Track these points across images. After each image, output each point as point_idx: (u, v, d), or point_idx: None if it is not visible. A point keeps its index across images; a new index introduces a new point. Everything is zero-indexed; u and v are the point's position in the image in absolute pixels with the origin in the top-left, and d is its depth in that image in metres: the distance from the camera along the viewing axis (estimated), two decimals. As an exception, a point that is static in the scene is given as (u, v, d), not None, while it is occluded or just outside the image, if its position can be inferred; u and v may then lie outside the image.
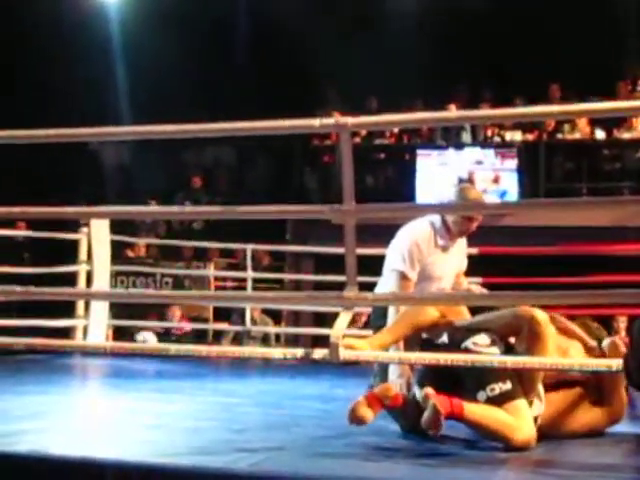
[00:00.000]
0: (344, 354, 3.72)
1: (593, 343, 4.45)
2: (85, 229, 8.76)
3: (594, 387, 4.33)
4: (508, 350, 4.11)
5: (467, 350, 4.03)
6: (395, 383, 4.28)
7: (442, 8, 13.38)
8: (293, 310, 10.70)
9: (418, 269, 4.59)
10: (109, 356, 8.00)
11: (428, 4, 13.48)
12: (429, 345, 4.15)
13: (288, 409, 5.17)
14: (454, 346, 4.07)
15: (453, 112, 7.40)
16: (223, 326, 10.00)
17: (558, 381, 4.26)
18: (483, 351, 4.04)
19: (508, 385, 3.95)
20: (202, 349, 4.57)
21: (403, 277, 4.55)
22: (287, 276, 11.36)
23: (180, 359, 7.53)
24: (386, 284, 4.63)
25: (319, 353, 3.75)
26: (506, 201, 10.90)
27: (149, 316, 10.09)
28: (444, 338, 4.15)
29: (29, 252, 11.21)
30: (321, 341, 8.67)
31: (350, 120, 3.68)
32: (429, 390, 3.83)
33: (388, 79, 12.36)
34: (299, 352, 3.80)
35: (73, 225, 8.84)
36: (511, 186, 11.59)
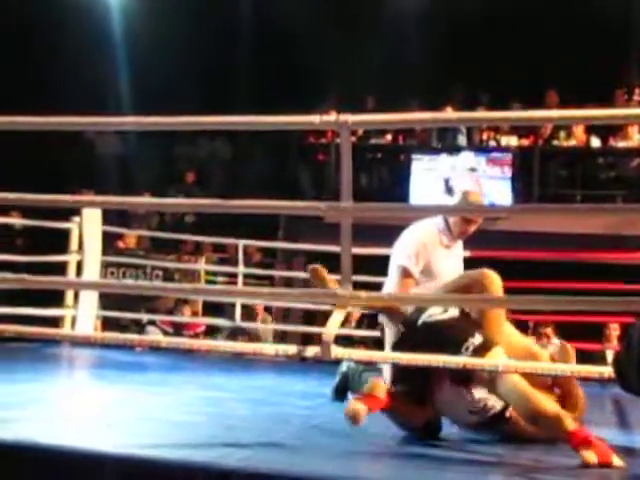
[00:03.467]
0: (336, 352, 3.71)
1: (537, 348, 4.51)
2: (77, 219, 8.72)
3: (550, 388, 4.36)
4: (464, 312, 4.19)
5: (425, 324, 4.10)
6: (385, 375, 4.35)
7: (441, 10, 13.39)
8: (283, 307, 10.68)
9: (421, 266, 4.61)
10: (98, 347, 7.98)
11: (427, 6, 13.48)
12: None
13: (276, 405, 5.16)
14: (411, 328, 4.14)
15: (452, 113, 7.38)
16: (247, 324, 9.89)
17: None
18: (440, 318, 4.12)
19: (479, 338, 4.02)
20: (193, 343, 4.55)
21: (405, 273, 4.56)
22: (278, 273, 11.35)
23: (169, 352, 7.52)
24: (389, 280, 4.65)
25: (311, 350, 3.74)
26: (502, 205, 10.89)
27: (159, 311, 10.12)
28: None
29: (23, 240, 11.18)
30: (309, 339, 8.67)
31: (350, 118, 3.66)
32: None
33: (385, 80, 12.37)
34: (291, 349, 3.79)
35: (65, 214, 8.80)
36: (503, 192, 11.59)
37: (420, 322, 4.12)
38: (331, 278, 4.31)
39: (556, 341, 5.17)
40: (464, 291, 4.24)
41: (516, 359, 4.10)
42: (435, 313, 4.14)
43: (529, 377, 4.08)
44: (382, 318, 4.45)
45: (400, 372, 4.20)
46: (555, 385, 4.34)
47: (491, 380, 3.98)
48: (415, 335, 4.11)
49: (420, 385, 4.16)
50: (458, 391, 4.14)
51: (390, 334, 4.35)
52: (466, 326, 4.09)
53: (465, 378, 4.08)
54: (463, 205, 4.72)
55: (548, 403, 3.91)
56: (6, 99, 10.62)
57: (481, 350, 3.96)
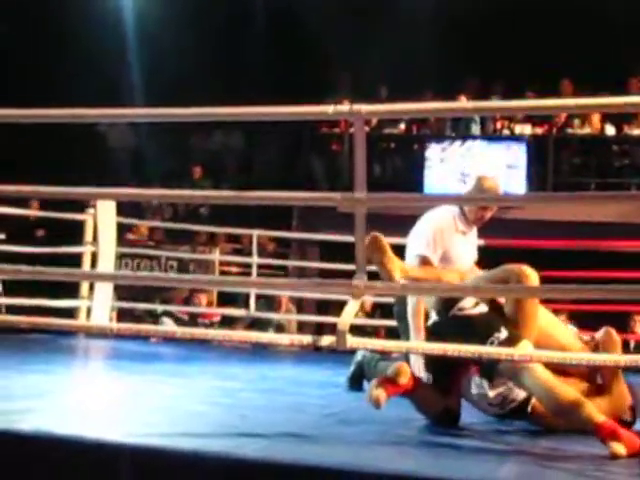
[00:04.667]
0: (351, 342, 3.70)
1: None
2: (92, 210, 8.75)
3: (590, 378, 4.34)
4: (495, 308, 4.17)
5: (455, 317, 4.10)
6: (414, 364, 4.35)
7: (455, 1, 13.34)
8: (296, 297, 10.68)
9: (440, 253, 4.63)
10: (113, 338, 8.00)
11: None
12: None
13: (292, 395, 5.17)
14: (442, 318, 4.16)
15: (467, 103, 7.34)
16: (262, 315, 9.89)
17: (555, 371, 4.26)
18: (469, 313, 4.11)
19: (504, 333, 4.01)
20: (207, 333, 4.55)
21: (425, 261, 4.59)
22: (292, 263, 11.35)
23: (185, 343, 7.53)
24: None
25: (326, 340, 3.73)
26: (517, 194, 10.84)
27: (174, 301, 10.14)
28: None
29: (39, 231, 11.21)
30: (324, 329, 8.68)
31: (364, 107, 3.65)
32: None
33: (399, 69, 12.32)
34: (306, 339, 3.78)
35: (80, 206, 8.82)
36: (518, 180, 11.55)
37: (451, 314, 4.12)
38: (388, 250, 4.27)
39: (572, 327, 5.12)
40: (500, 283, 4.22)
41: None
42: (466, 307, 4.13)
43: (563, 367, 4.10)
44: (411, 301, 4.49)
45: (426, 360, 4.23)
46: (596, 374, 4.32)
47: (515, 373, 3.96)
48: (445, 326, 4.13)
49: (445, 374, 4.19)
50: (478, 384, 4.17)
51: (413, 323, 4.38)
52: (493, 321, 4.08)
53: (489, 370, 4.07)
54: (478, 191, 4.73)
55: (573, 395, 3.87)
56: (20, 92, 10.68)
57: (506, 344, 3.94)
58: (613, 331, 4.42)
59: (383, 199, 4.32)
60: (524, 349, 3.93)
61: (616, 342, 4.36)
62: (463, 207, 4.77)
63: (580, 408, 3.78)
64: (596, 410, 3.77)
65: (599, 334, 4.43)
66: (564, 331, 4.54)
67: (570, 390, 3.91)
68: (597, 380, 4.33)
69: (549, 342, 4.24)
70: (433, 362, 4.26)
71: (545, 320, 4.36)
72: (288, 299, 10.12)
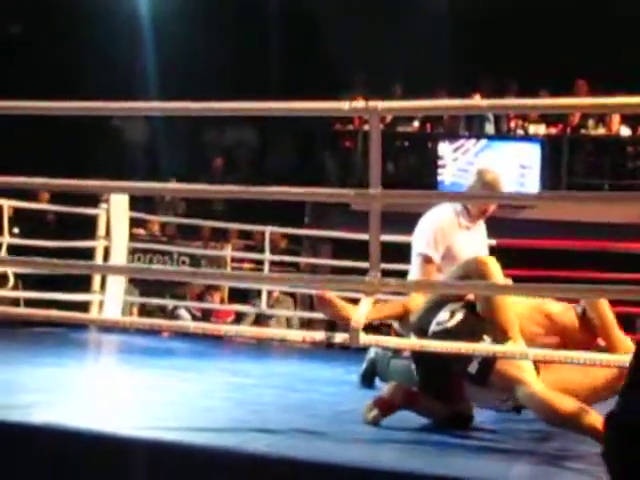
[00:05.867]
0: (364, 339, 3.69)
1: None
2: (104, 205, 8.75)
3: (582, 340, 4.23)
4: (469, 309, 4.01)
5: (435, 334, 3.94)
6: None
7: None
8: (308, 294, 10.68)
9: (442, 251, 4.61)
10: (124, 332, 8.01)
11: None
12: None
13: (303, 392, 5.17)
14: (422, 338, 3.99)
15: (482, 100, 7.33)
16: (270, 311, 9.90)
17: (551, 347, 4.18)
18: (448, 326, 3.96)
19: (487, 340, 3.88)
20: (220, 328, 4.55)
21: (426, 260, 4.59)
22: (304, 260, 11.36)
23: (196, 338, 7.53)
24: (413, 269, 4.66)
25: (339, 337, 3.72)
26: (526, 192, 10.83)
27: (186, 297, 10.16)
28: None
29: (52, 225, 11.23)
30: (334, 326, 8.66)
31: (380, 104, 3.64)
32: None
33: (413, 67, 12.31)
34: (318, 335, 3.77)
35: (93, 200, 8.83)
36: (531, 180, 11.54)
37: (430, 333, 3.98)
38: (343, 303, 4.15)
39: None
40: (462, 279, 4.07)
41: (533, 323, 4.04)
42: (443, 320, 3.98)
43: (567, 334, 4.08)
44: (396, 326, 4.42)
45: (422, 370, 4.13)
46: (597, 336, 4.22)
47: (507, 386, 3.85)
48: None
49: (441, 384, 4.10)
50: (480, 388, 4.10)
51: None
52: (473, 330, 3.92)
53: (480, 382, 3.96)
54: (479, 184, 4.73)
55: (572, 405, 3.72)
56: (35, 87, 10.70)
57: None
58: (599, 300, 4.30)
59: (398, 196, 4.31)
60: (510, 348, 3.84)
61: (603, 304, 4.23)
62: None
63: (581, 418, 3.66)
64: (595, 414, 3.67)
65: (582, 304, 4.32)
66: (534, 300, 4.38)
67: (568, 400, 3.75)
68: (599, 343, 4.25)
69: (536, 318, 4.18)
70: (427, 372, 4.14)
71: (521, 304, 4.23)
72: (279, 291, 10.08)
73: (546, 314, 4.23)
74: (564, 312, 4.25)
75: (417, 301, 4.24)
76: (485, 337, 3.90)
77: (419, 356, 4.01)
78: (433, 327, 4.00)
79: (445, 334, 3.92)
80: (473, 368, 3.85)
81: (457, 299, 4.05)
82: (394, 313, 4.34)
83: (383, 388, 4.35)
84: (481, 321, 3.97)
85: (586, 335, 4.22)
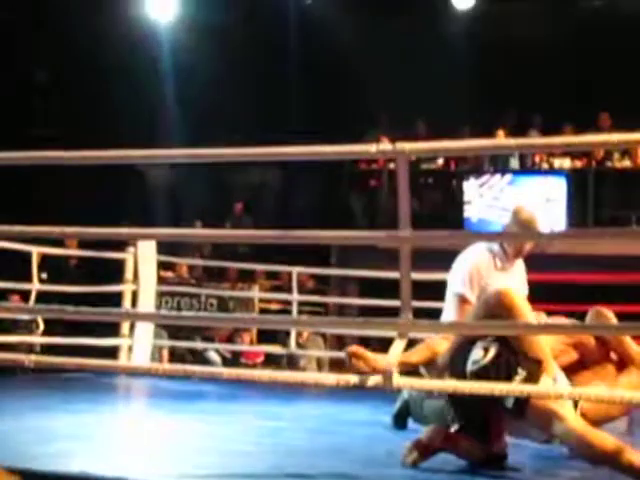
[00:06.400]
0: (398, 381, 3.67)
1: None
2: (132, 249, 8.78)
3: (606, 359, 4.27)
4: (501, 342, 3.97)
5: (473, 374, 3.91)
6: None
7: (491, 34, 13.37)
8: (338, 334, 10.66)
9: (477, 292, 4.59)
10: (153, 375, 8.00)
11: (477, 30, 13.47)
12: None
13: (336, 434, 5.13)
14: (459, 376, 3.97)
15: (509, 140, 7.32)
16: (300, 352, 9.88)
17: (572, 364, 4.18)
18: (484, 363, 3.93)
19: (522, 373, 3.86)
20: (253, 373, 4.53)
21: (463, 300, 4.58)
22: (332, 299, 11.34)
23: (225, 381, 7.51)
24: (447, 309, 4.64)
25: (372, 380, 3.70)
26: (560, 230, 10.77)
27: (215, 339, 10.18)
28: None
29: (80, 270, 11.27)
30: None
31: (407, 146, 3.64)
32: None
33: (436, 103, 12.33)
34: (353, 379, 3.74)
35: (120, 244, 8.87)
36: (557, 214, 11.50)
37: (468, 373, 3.95)
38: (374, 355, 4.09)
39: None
40: (490, 318, 4.03)
41: (554, 341, 4.06)
42: (477, 358, 3.96)
43: (583, 349, 4.11)
44: (422, 371, 4.39)
45: (459, 411, 4.11)
46: (610, 350, 4.26)
47: (544, 422, 3.83)
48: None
49: (479, 422, 4.08)
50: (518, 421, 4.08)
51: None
52: (508, 364, 3.90)
53: (518, 416, 3.94)
54: (515, 224, 4.72)
55: (610, 442, 3.68)
56: (56, 134, 10.81)
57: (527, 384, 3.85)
58: (602, 309, 4.32)
59: (429, 237, 4.29)
60: (547, 387, 3.83)
61: (607, 315, 4.25)
62: (502, 242, 4.77)
63: (619, 455, 3.62)
64: (632, 451, 3.63)
65: (588, 318, 4.33)
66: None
67: (607, 438, 3.72)
68: (612, 356, 4.25)
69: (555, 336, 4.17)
70: (464, 412, 4.12)
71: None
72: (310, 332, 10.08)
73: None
74: None
75: (445, 344, 4.24)
76: (519, 370, 3.89)
77: (454, 396, 3.99)
78: (470, 367, 3.97)
79: (484, 371, 3.91)
80: (509, 402, 3.84)
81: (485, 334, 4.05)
82: (423, 359, 4.31)
83: (417, 429, 4.32)
84: (514, 354, 3.96)
85: (600, 349, 4.29)
